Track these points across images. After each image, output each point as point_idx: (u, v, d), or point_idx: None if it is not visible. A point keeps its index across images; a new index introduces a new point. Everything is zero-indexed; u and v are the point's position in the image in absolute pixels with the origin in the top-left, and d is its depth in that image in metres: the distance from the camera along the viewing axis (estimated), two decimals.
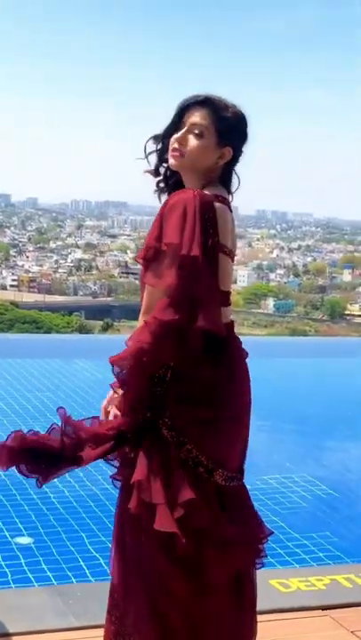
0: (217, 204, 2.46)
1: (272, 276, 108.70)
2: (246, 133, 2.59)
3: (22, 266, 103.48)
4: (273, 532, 2.61)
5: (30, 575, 4.23)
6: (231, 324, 2.59)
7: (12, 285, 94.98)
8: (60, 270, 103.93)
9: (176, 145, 2.51)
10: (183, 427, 2.40)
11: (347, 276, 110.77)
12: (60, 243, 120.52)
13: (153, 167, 2.64)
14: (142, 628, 2.45)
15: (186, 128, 2.51)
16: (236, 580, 2.51)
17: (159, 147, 2.60)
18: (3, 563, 4.36)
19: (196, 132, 2.50)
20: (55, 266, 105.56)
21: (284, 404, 9.06)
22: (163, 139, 2.58)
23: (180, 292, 2.34)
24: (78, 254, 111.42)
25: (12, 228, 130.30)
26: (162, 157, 2.61)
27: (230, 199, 2.59)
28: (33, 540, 4.68)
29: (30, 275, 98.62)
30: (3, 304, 59.13)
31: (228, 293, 2.54)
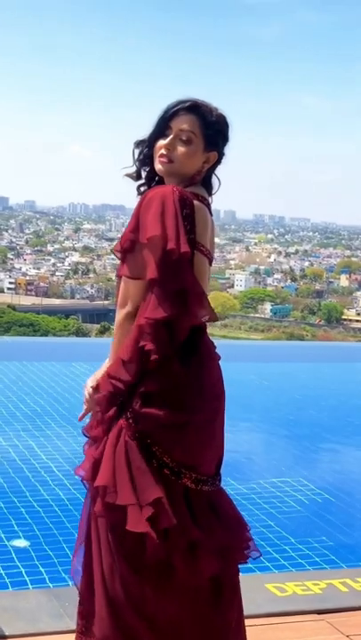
0: (196, 202, 2.47)
1: (269, 280, 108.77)
2: (228, 136, 2.60)
3: (20, 269, 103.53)
4: (252, 539, 2.57)
5: (26, 578, 4.22)
6: (204, 327, 2.56)
7: (9, 288, 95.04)
8: (57, 273, 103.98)
9: (164, 151, 2.51)
10: (149, 429, 2.39)
11: (344, 281, 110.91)
12: (57, 246, 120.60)
13: (134, 171, 2.64)
14: (103, 629, 2.45)
15: (173, 134, 2.51)
16: (213, 581, 2.48)
17: (145, 151, 2.60)
18: None
19: (184, 138, 2.50)
20: (53, 269, 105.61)
21: (281, 409, 9.07)
22: (149, 143, 2.58)
23: (165, 287, 2.34)
24: (76, 257, 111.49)
25: (9, 231, 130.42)
26: (144, 161, 2.61)
27: (210, 200, 2.60)
28: (29, 543, 4.68)
29: (28, 278, 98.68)
30: (0, 307, 59.11)
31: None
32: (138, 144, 2.61)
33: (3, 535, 4.76)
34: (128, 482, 2.36)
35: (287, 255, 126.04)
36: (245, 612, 3.42)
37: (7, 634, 3.24)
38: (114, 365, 2.44)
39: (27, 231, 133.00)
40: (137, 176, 2.64)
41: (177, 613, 2.43)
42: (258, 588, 3.84)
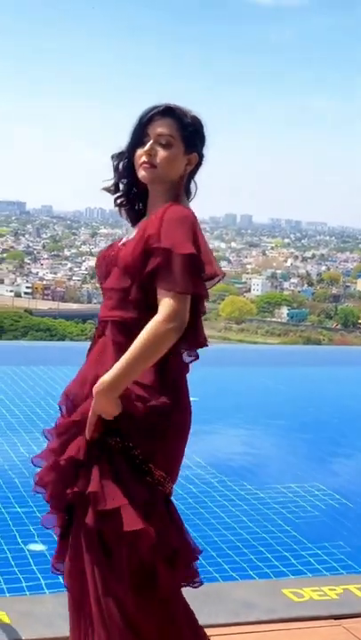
0: None
1: (286, 284, 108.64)
2: (205, 136, 2.58)
3: (37, 273, 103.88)
4: (198, 558, 2.55)
5: (43, 582, 4.23)
6: None
7: (26, 293, 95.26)
8: (74, 278, 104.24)
9: (145, 158, 2.48)
10: (129, 432, 2.38)
11: (360, 286, 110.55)
12: (74, 250, 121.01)
13: (112, 184, 2.61)
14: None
15: (152, 140, 2.48)
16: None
17: (125, 162, 2.56)
18: (16, 569, 4.37)
19: (164, 142, 2.48)
20: (69, 273, 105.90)
21: (298, 413, 9.05)
22: (128, 154, 2.55)
23: (203, 307, 2.42)
24: (92, 262, 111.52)
25: (26, 236, 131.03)
26: (123, 173, 2.58)
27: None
28: (46, 547, 4.68)
29: (44, 282, 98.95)
30: (17, 311, 59.42)
31: None
32: (116, 156, 2.58)
33: (20, 539, 4.77)
34: (115, 486, 2.34)
35: (304, 259, 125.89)
36: (261, 618, 3.43)
37: (24, 638, 3.26)
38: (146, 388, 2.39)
39: (44, 236, 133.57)
40: (115, 189, 2.61)
41: (159, 624, 2.43)
42: (274, 593, 3.84)
